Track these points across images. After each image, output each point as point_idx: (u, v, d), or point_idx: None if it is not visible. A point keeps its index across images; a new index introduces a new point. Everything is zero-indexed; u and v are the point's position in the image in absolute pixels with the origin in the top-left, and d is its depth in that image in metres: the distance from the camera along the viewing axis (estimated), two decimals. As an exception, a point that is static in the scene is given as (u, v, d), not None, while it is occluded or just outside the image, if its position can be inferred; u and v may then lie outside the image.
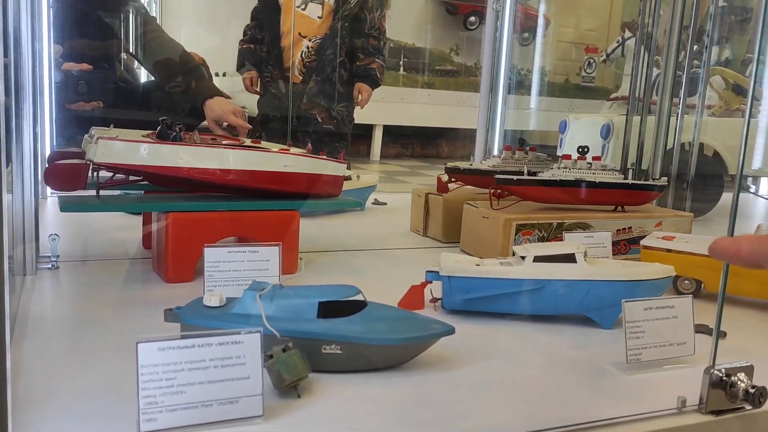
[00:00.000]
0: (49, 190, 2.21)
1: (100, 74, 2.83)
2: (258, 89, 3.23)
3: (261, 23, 3.18)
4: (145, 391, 0.77)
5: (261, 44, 3.18)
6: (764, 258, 0.60)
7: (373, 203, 2.57)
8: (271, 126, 3.10)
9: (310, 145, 1.64)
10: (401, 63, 6.97)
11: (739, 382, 0.91)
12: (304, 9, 3.04)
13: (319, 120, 3.10)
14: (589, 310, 1.24)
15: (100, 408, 0.84)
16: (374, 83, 3.21)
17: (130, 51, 3.09)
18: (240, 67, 3.23)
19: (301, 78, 3.08)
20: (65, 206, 1.35)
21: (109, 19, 3.00)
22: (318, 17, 3.03)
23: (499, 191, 1.75)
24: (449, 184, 2.02)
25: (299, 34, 3.04)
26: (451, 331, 1.02)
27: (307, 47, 3.02)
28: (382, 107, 6.71)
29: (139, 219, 1.68)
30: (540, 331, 1.23)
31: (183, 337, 0.80)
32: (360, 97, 3.18)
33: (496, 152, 2.77)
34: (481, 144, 2.95)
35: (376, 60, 3.16)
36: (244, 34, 3.22)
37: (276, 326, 0.92)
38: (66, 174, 1.33)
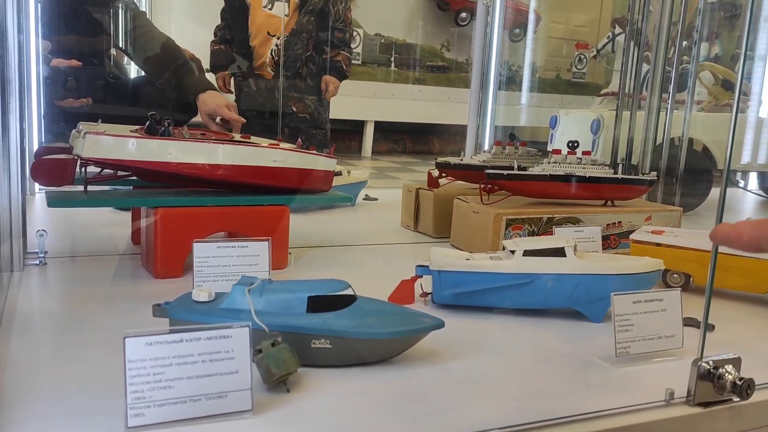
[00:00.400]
0: (36, 185, 2.20)
1: (90, 70, 2.80)
2: (231, 89, 3.26)
3: (229, 24, 3.25)
4: (133, 386, 0.77)
5: (231, 44, 3.24)
6: (765, 241, 0.61)
7: (364, 199, 2.57)
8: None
9: (300, 140, 1.64)
10: (392, 59, 6.96)
11: (726, 375, 0.91)
12: (270, 8, 3.11)
13: (294, 110, 3.16)
14: (578, 303, 1.25)
15: (88, 404, 0.84)
16: (341, 75, 3.25)
17: (120, 46, 3.07)
18: (213, 68, 3.26)
19: (272, 74, 3.14)
20: (53, 201, 1.34)
21: (98, 15, 2.98)
22: (285, 15, 3.07)
23: (489, 186, 1.76)
24: (440, 179, 2.02)
25: (268, 33, 3.09)
26: (440, 324, 1.02)
27: (276, 45, 3.06)
28: (373, 103, 6.71)
29: (128, 215, 1.67)
30: (530, 325, 1.23)
31: (171, 332, 0.80)
32: (327, 89, 3.23)
33: (486, 147, 2.78)
34: (472, 139, 2.95)
35: (342, 52, 3.22)
36: (215, 35, 3.28)
37: (265, 321, 0.92)
38: (53, 169, 1.32)
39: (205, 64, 3.48)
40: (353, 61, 6.61)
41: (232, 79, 3.28)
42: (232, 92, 3.25)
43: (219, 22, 3.31)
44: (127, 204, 1.67)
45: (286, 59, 3.09)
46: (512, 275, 1.23)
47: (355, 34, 6.65)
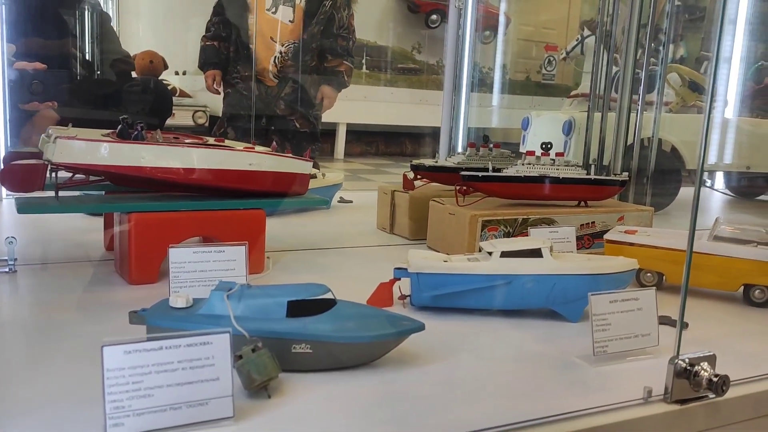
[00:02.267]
0: (5, 191, 2.15)
1: (55, 73, 2.75)
2: (220, 89, 3.13)
3: (225, 20, 3.05)
4: (112, 395, 0.75)
5: (225, 42, 3.05)
6: None
7: (339, 201, 2.56)
8: (239, 125, 3.02)
9: (275, 143, 1.63)
10: (364, 61, 6.96)
11: (702, 372, 0.93)
12: (275, 12, 2.95)
13: (297, 125, 3.02)
14: (555, 303, 1.26)
15: (64, 415, 0.82)
16: (341, 85, 3.10)
17: (86, 50, 3.02)
18: (203, 65, 3.12)
19: (276, 82, 2.98)
20: (22, 208, 1.31)
21: (66, 17, 2.93)
22: (290, 21, 2.96)
23: (464, 188, 1.76)
24: (415, 182, 2.03)
25: (271, 38, 2.97)
26: (420, 327, 1.02)
27: (281, 52, 2.94)
28: (345, 106, 6.67)
29: (101, 220, 1.64)
30: (508, 326, 1.24)
31: (149, 340, 0.78)
32: (324, 100, 3.08)
33: (460, 149, 2.79)
34: (446, 141, 2.96)
35: (344, 62, 3.06)
36: (207, 30, 3.08)
37: (245, 326, 0.91)
38: (23, 175, 1.29)
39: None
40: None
41: (223, 79, 3.08)
42: (220, 92, 3.09)
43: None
44: (99, 209, 1.64)
45: (294, 68, 2.95)
46: (490, 276, 1.24)
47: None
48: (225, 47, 3.02)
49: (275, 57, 2.92)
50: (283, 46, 2.93)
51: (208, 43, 3.05)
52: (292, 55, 2.92)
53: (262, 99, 2.97)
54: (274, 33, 2.96)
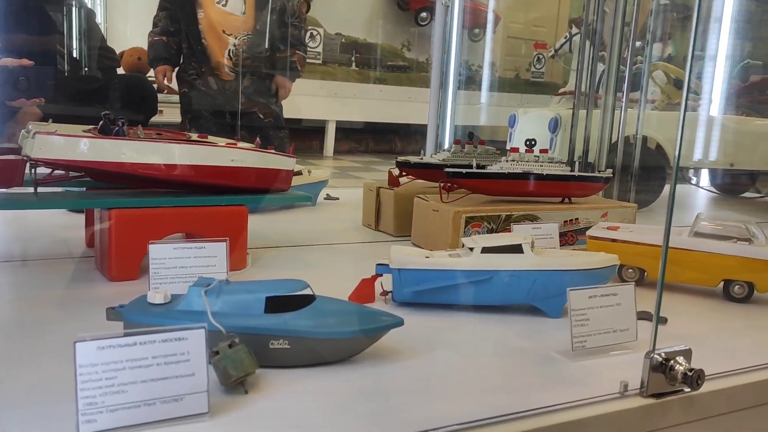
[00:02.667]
0: (-14, 188, 2.13)
1: (41, 70, 2.73)
2: (172, 85, 3.05)
3: (172, 14, 2.98)
4: (84, 391, 0.75)
5: (174, 37, 2.97)
6: None
7: (325, 198, 2.56)
8: (201, 123, 2.96)
9: (258, 139, 1.62)
10: (353, 58, 6.94)
11: (677, 366, 0.94)
12: (224, 5, 2.87)
13: (261, 116, 2.98)
14: (536, 299, 1.26)
15: (38, 411, 0.81)
16: (295, 75, 3.04)
17: (72, 46, 3.00)
18: (152, 61, 3.06)
19: (233, 75, 2.93)
20: (1, 204, 1.30)
21: (52, 13, 2.91)
22: (242, 13, 2.91)
23: (448, 184, 1.77)
24: (400, 178, 2.03)
25: (223, 31, 2.92)
26: (399, 322, 1.02)
27: (234, 45, 2.88)
28: (334, 103, 6.68)
29: (82, 217, 1.63)
30: (488, 322, 1.24)
31: (125, 335, 0.78)
32: (279, 90, 3.02)
33: (446, 146, 2.79)
34: (432, 139, 2.96)
35: (298, 51, 3.00)
36: (154, 25, 3.01)
37: (222, 322, 0.91)
38: (1, 170, 1.28)
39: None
40: (313, 61, 6.60)
41: (178, 77, 3.04)
42: (173, 88, 3.02)
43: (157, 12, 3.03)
44: (79, 205, 1.63)
45: (250, 60, 2.91)
46: (471, 272, 1.24)
47: (315, 33, 6.61)
48: (175, 42, 2.93)
49: (229, 50, 2.87)
50: (236, 38, 2.88)
51: (155, 38, 2.97)
52: (247, 47, 2.85)
53: (220, 94, 2.92)
54: (226, 26, 2.90)
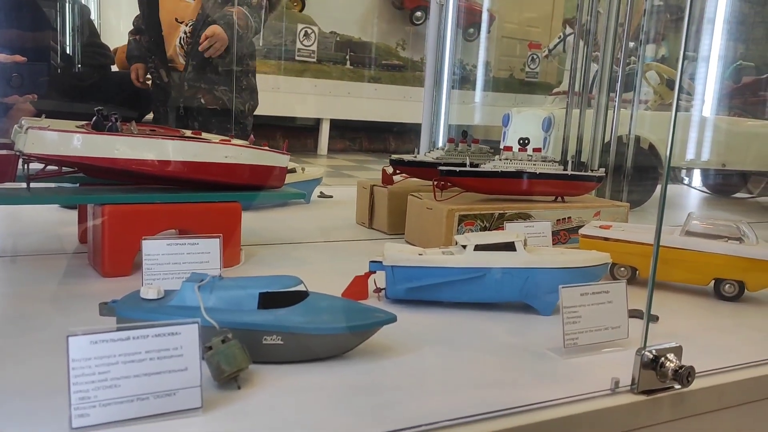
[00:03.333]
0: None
1: (34, 66, 2.71)
2: (149, 82, 2.99)
3: (142, 12, 2.84)
4: (77, 386, 0.75)
5: (144, 34, 2.85)
6: None
7: (319, 196, 2.56)
8: (158, 118, 2.88)
9: (252, 136, 1.62)
10: (348, 57, 6.95)
11: (668, 363, 0.94)
12: None
13: (203, 102, 2.75)
14: (528, 297, 1.27)
15: (31, 405, 0.81)
16: (228, 27, 2.65)
17: (66, 42, 2.98)
18: (128, 59, 3.01)
19: (184, 64, 2.75)
20: (-7, 199, 1.29)
21: (46, 9, 2.89)
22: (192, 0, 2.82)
23: (442, 183, 1.77)
24: (394, 177, 2.03)
25: (176, 20, 2.84)
26: (392, 319, 1.02)
27: (185, 32, 2.78)
28: (329, 101, 6.68)
29: (75, 213, 1.63)
30: (481, 319, 1.25)
31: (117, 330, 0.78)
32: (205, 41, 2.63)
33: (440, 145, 2.79)
34: (426, 137, 2.97)
35: (239, 7, 2.67)
36: (132, 24, 2.92)
37: (216, 317, 0.91)
38: (-7, 165, 1.28)
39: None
40: (308, 59, 6.59)
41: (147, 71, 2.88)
42: (147, 85, 2.88)
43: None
44: (72, 201, 1.63)
45: (192, 47, 2.69)
46: (463, 269, 1.25)
47: (310, 31, 6.60)
48: (145, 39, 2.86)
49: (180, 38, 2.79)
50: (186, 26, 2.79)
51: (131, 38, 2.90)
52: (192, 33, 2.66)
53: (173, 86, 2.84)
54: (178, 13, 2.81)
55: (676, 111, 1.00)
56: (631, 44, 2.62)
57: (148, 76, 2.90)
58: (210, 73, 2.71)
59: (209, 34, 2.59)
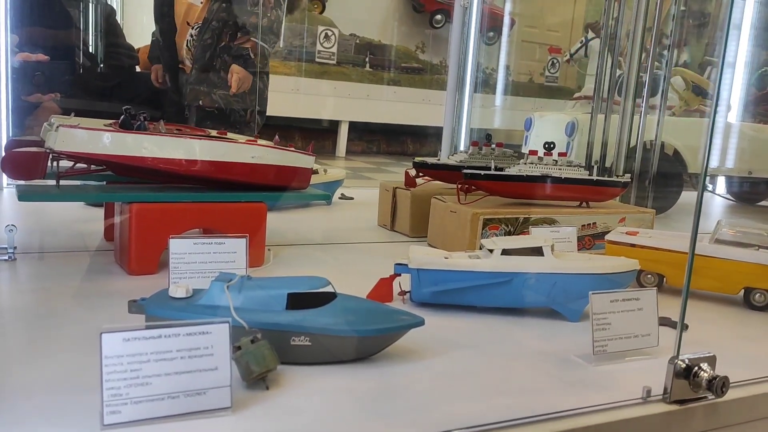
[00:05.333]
0: (6, 180, 2.14)
1: (58, 65, 2.74)
2: (165, 81, 3.00)
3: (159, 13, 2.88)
4: (109, 382, 0.75)
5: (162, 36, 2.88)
6: None
7: (340, 198, 2.56)
8: (169, 119, 2.88)
9: (277, 137, 1.62)
10: (367, 60, 6.95)
11: (702, 372, 0.93)
12: None
13: (201, 104, 2.73)
14: (556, 302, 1.26)
15: (62, 401, 0.82)
16: (248, 64, 2.74)
17: (89, 42, 3.00)
18: (150, 60, 3.03)
19: (191, 66, 2.76)
20: (23, 195, 1.30)
21: (69, 8, 2.91)
22: (200, 2, 2.72)
23: (466, 186, 1.76)
24: (417, 179, 2.02)
25: (186, 23, 2.86)
26: (420, 322, 1.01)
27: (191, 35, 2.80)
28: (348, 103, 6.69)
29: (101, 210, 1.64)
30: (507, 324, 1.23)
31: (149, 328, 0.78)
32: (233, 77, 2.71)
33: (462, 148, 2.78)
34: (448, 140, 2.96)
35: (251, 39, 2.73)
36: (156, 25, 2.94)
37: (244, 317, 0.91)
38: (24, 162, 1.29)
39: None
40: (328, 61, 6.60)
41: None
42: (167, 85, 2.88)
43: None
44: (100, 199, 1.64)
45: (196, 50, 2.72)
46: (490, 274, 1.24)
47: (330, 33, 6.61)
48: (161, 41, 2.93)
49: (187, 41, 2.81)
50: (192, 28, 2.80)
51: (153, 38, 2.92)
52: (198, 36, 2.69)
53: (182, 87, 2.85)
54: (189, 16, 2.84)
55: (714, 119, 0.98)
56: (655, 49, 2.60)
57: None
58: (213, 77, 2.72)
59: (232, 78, 2.67)
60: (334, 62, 6.72)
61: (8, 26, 2.37)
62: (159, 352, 0.77)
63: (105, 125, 1.37)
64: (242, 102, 2.81)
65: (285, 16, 2.98)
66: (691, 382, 0.93)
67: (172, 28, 2.80)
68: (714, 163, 2.98)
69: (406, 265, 1.27)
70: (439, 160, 2.04)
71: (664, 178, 2.57)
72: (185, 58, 2.78)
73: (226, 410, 0.80)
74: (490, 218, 1.66)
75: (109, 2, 3.41)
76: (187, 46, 2.76)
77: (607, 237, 1.57)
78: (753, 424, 1.01)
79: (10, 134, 2.25)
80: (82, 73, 3.00)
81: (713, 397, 0.94)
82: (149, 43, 3.12)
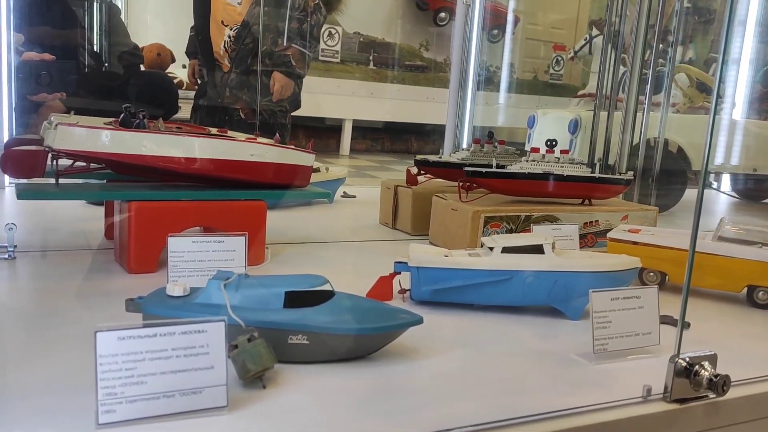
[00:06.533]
0: (6, 180, 2.15)
1: (63, 64, 2.75)
2: (197, 78, 3.02)
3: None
4: (104, 381, 0.75)
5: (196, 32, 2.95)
6: None
7: (342, 196, 2.55)
8: (201, 116, 2.89)
9: (277, 135, 1.62)
10: (371, 58, 6.94)
11: (702, 371, 0.92)
12: None
13: (242, 116, 2.82)
14: (556, 301, 1.25)
15: (57, 400, 0.81)
16: (289, 72, 2.81)
17: (94, 41, 3.01)
18: (187, 55, 3.04)
19: (229, 66, 2.83)
20: (22, 194, 1.30)
21: (74, 8, 2.92)
22: (238, 3, 2.78)
23: (468, 184, 1.75)
24: (418, 177, 2.02)
25: (222, 22, 2.81)
26: (419, 320, 1.01)
27: (228, 36, 2.76)
28: (351, 102, 6.68)
29: (101, 209, 1.64)
30: (507, 322, 1.23)
31: (144, 326, 0.78)
32: (275, 85, 2.79)
33: (465, 146, 2.78)
34: (450, 138, 2.95)
35: (293, 45, 2.78)
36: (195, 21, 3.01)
37: (241, 316, 0.91)
38: (23, 160, 1.29)
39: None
40: (331, 59, 6.60)
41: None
42: (197, 81, 2.98)
43: None
44: (100, 197, 1.64)
45: (237, 53, 2.77)
46: (490, 272, 1.23)
47: (333, 32, 6.60)
48: (196, 37, 2.91)
49: (224, 42, 2.81)
50: (231, 30, 2.80)
51: (191, 33, 2.97)
52: (235, 39, 2.74)
53: (216, 85, 2.80)
54: (225, 17, 2.82)
55: (714, 116, 0.97)
56: (659, 46, 2.58)
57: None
58: (252, 82, 2.75)
59: (275, 87, 2.74)
60: (338, 60, 6.71)
61: (11, 25, 2.37)
62: (154, 350, 0.77)
63: (105, 123, 1.37)
64: (284, 110, 2.85)
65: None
66: (691, 380, 0.92)
67: (207, 24, 2.81)
68: (719, 160, 2.96)
69: (406, 263, 1.26)
70: (440, 157, 2.03)
71: (667, 176, 2.56)
72: (222, 57, 2.80)
73: (222, 409, 0.80)
74: (491, 216, 1.65)
75: (114, 2, 3.42)
76: (224, 46, 2.77)
77: (609, 234, 1.56)
78: (754, 423, 1.00)
79: (14, 133, 2.26)
80: (87, 73, 3.01)
81: (714, 396, 0.93)
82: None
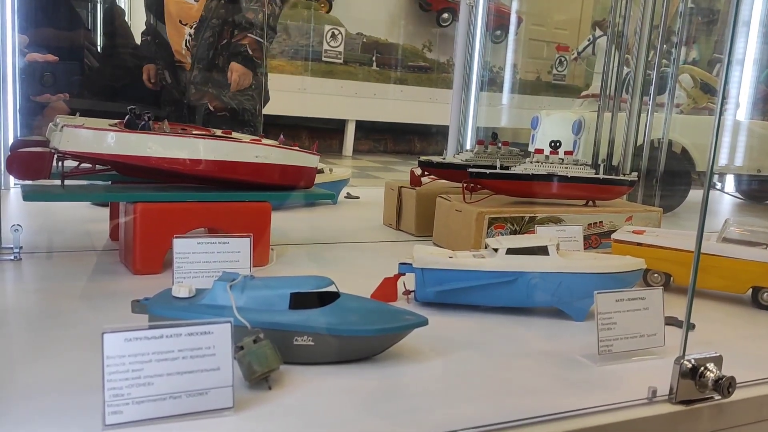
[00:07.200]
0: (12, 180, 2.15)
1: (67, 65, 2.75)
2: (154, 82, 3.00)
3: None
4: (111, 382, 0.75)
5: (153, 35, 2.88)
6: None
7: (345, 197, 2.56)
8: (168, 118, 2.86)
9: (282, 136, 1.62)
10: (374, 58, 6.95)
11: (708, 373, 0.92)
12: None
13: (212, 108, 2.75)
14: (561, 302, 1.25)
15: (64, 401, 0.82)
16: (246, 61, 2.73)
17: (98, 42, 3.01)
18: (141, 60, 3.02)
19: (191, 64, 2.76)
20: (28, 195, 1.31)
21: (78, 9, 2.92)
22: (195, 1, 2.71)
23: (472, 185, 1.75)
24: (422, 178, 2.02)
25: (180, 21, 2.75)
26: (424, 322, 1.01)
27: (189, 34, 2.79)
28: (354, 102, 6.68)
29: (106, 210, 1.64)
30: (512, 323, 1.23)
31: (151, 328, 0.78)
32: (233, 75, 2.71)
33: (468, 147, 2.78)
34: (454, 139, 2.95)
35: (249, 35, 2.71)
36: (145, 25, 2.93)
37: (247, 317, 0.91)
38: (29, 162, 1.29)
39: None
40: (335, 60, 6.60)
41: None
42: (156, 85, 2.87)
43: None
44: (105, 198, 1.64)
45: (197, 49, 2.71)
46: (495, 273, 1.23)
47: (336, 32, 6.61)
48: (153, 40, 2.85)
49: (185, 41, 2.79)
50: (191, 28, 2.79)
51: (142, 39, 2.92)
52: (195, 35, 2.68)
53: (179, 86, 2.75)
54: (182, 15, 2.80)
55: (720, 117, 0.97)
56: (663, 47, 2.58)
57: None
58: (216, 76, 2.72)
59: (232, 77, 2.68)
60: (341, 61, 6.72)
61: (15, 27, 2.38)
62: (161, 352, 0.77)
63: (110, 125, 1.37)
64: (251, 100, 2.81)
65: (281, 10, 2.97)
66: (697, 382, 0.92)
67: (163, 26, 2.79)
68: (723, 161, 2.96)
69: (411, 264, 1.26)
70: (444, 158, 2.03)
71: (671, 177, 2.56)
72: (184, 56, 2.77)
73: (228, 410, 0.80)
74: (495, 217, 1.65)
75: (117, 3, 3.42)
76: (186, 45, 2.75)
77: (614, 236, 1.56)
78: (760, 425, 1.00)
79: (18, 134, 2.26)
80: (91, 74, 3.01)
81: (719, 397, 0.93)
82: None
